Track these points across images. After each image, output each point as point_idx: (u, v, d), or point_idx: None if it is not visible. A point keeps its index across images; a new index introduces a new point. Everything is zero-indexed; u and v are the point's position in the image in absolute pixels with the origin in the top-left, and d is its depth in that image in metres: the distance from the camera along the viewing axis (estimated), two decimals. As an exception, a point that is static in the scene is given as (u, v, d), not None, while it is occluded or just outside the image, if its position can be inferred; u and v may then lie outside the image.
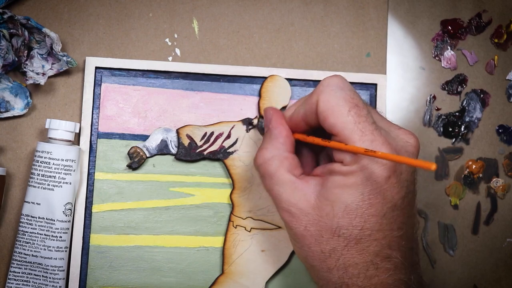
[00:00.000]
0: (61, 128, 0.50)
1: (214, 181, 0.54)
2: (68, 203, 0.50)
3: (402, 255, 0.42)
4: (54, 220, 0.49)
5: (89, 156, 0.53)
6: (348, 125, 0.41)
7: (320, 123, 0.43)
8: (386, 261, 0.42)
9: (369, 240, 0.41)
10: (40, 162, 0.50)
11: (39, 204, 0.50)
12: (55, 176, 0.49)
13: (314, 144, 0.45)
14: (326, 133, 0.43)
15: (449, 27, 0.58)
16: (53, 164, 0.49)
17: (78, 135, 0.53)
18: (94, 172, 0.53)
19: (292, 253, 0.54)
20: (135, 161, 0.53)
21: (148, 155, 0.53)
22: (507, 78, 0.58)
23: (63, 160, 0.50)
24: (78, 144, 0.53)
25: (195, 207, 0.54)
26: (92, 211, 0.53)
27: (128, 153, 0.53)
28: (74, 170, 0.50)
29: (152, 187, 0.54)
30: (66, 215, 0.50)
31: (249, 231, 0.54)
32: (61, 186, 0.50)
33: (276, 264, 0.53)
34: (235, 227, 0.54)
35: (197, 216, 0.54)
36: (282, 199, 0.44)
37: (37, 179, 0.50)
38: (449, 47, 0.58)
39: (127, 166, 0.53)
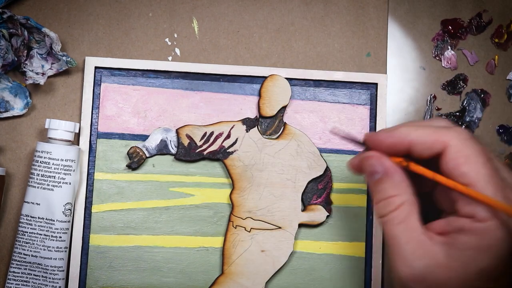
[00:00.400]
0: (60, 128, 0.50)
1: (214, 181, 0.54)
2: (68, 203, 0.50)
3: None
4: (53, 220, 0.49)
5: (89, 156, 0.53)
6: (483, 177, 0.38)
7: (444, 167, 0.39)
8: None
9: None
10: (40, 162, 0.50)
11: (39, 204, 0.49)
12: (54, 176, 0.49)
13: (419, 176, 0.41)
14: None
15: (450, 27, 0.57)
16: (53, 164, 0.49)
17: (77, 135, 0.53)
18: (93, 172, 0.53)
19: (292, 253, 0.54)
20: (135, 161, 0.53)
21: (147, 155, 0.53)
22: (507, 78, 0.58)
23: (62, 160, 0.50)
24: (78, 144, 0.53)
25: (195, 207, 0.54)
26: (92, 211, 0.53)
27: (128, 153, 0.53)
28: (74, 170, 0.50)
29: (152, 187, 0.54)
30: (65, 215, 0.50)
31: (249, 231, 0.54)
32: (61, 186, 0.50)
33: (276, 264, 0.53)
34: (235, 227, 0.54)
35: (197, 216, 0.54)
36: (406, 251, 0.39)
37: (37, 179, 0.50)
38: (449, 47, 0.58)
39: (126, 166, 0.53)
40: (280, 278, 0.54)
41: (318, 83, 0.56)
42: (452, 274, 0.38)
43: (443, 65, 0.57)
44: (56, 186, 0.49)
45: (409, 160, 0.41)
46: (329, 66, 0.56)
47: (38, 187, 0.50)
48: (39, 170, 0.50)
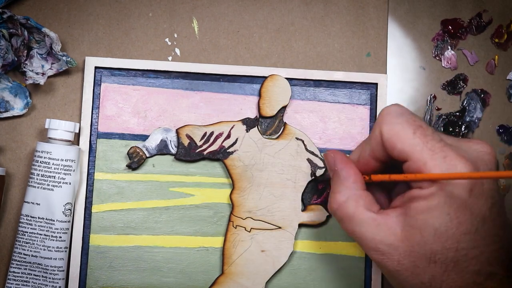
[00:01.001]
0: (60, 128, 0.50)
1: (214, 181, 0.54)
2: (68, 203, 0.50)
3: (506, 270, 0.40)
4: (53, 220, 0.49)
5: (89, 156, 0.53)
6: (416, 147, 0.40)
7: (388, 153, 0.42)
8: (489, 280, 0.40)
9: (466, 260, 0.39)
10: (40, 162, 0.50)
11: (39, 204, 0.49)
12: (54, 176, 0.49)
13: (386, 181, 0.44)
14: (397, 166, 0.43)
15: (450, 27, 0.57)
16: (53, 164, 0.49)
17: (77, 135, 0.53)
18: (93, 172, 0.53)
19: (292, 253, 0.54)
20: (135, 161, 0.53)
21: (147, 155, 0.53)
22: (507, 78, 0.58)
23: (62, 160, 0.50)
24: (78, 144, 0.53)
25: (195, 207, 0.54)
26: (92, 211, 0.53)
27: (128, 153, 0.53)
28: (74, 170, 0.50)
29: (152, 187, 0.54)
30: (65, 215, 0.50)
31: (249, 231, 0.54)
32: (61, 186, 0.50)
33: (276, 264, 0.53)
34: (235, 227, 0.54)
35: (197, 216, 0.54)
36: (367, 239, 0.42)
37: (37, 179, 0.50)
38: (449, 47, 0.58)
39: (126, 166, 0.53)
40: (280, 278, 0.54)
41: (318, 83, 0.56)
42: (412, 242, 0.40)
43: (443, 65, 0.57)
44: (56, 186, 0.49)
45: (369, 174, 0.45)
46: (329, 66, 0.56)
47: (38, 187, 0.50)
48: (39, 170, 0.50)
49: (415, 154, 0.40)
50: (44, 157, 0.49)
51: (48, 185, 0.49)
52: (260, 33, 0.56)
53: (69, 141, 0.51)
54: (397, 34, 0.57)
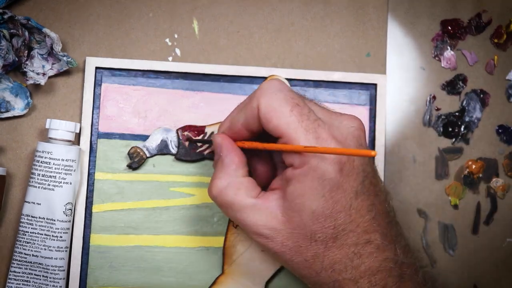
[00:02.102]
0: (61, 128, 0.51)
1: (214, 181, 0.54)
2: (69, 203, 0.50)
3: (381, 235, 0.42)
4: (54, 220, 0.49)
5: (89, 156, 0.53)
6: (291, 125, 0.41)
7: (263, 127, 0.43)
8: (366, 246, 0.42)
9: (345, 234, 0.42)
10: (41, 162, 0.50)
11: (40, 204, 0.50)
12: (55, 176, 0.50)
13: (268, 154, 0.45)
14: (270, 138, 0.43)
15: (449, 27, 0.58)
16: (54, 164, 0.50)
17: (78, 135, 0.53)
18: (94, 172, 0.53)
19: (292, 253, 0.54)
20: (135, 161, 0.53)
21: (148, 155, 0.53)
22: (507, 78, 0.58)
23: (63, 160, 0.50)
24: (78, 144, 0.53)
25: (195, 207, 0.54)
26: (92, 211, 0.53)
27: (128, 153, 0.53)
28: (75, 170, 0.50)
29: (152, 187, 0.54)
30: (66, 215, 0.50)
31: (249, 231, 0.54)
32: (62, 186, 0.50)
33: (276, 264, 0.53)
34: (235, 227, 0.54)
35: (197, 216, 0.54)
36: (249, 224, 0.43)
37: (38, 179, 0.50)
38: (449, 47, 0.58)
39: (127, 166, 0.53)
40: (280, 278, 0.54)
41: (318, 83, 0.56)
42: (293, 224, 0.42)
43: (442, 65, 0.58)
44: (57, 186, 0.50)
45: (243, 142, 0.45)
46: (329, 66, 0.57)
47: (38, 187, 0.50)
48: (39, 170, 0.50)
49: (289, 132, 0.41)
50: (45, 157, 0.50)
51: (49, 185, 0.50)
52: (260, 33, 0.56)
53: (70, 141, 0.51)
54: (397, 34, 0.57)
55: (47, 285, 0.50)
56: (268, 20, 0.57)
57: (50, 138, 0.51)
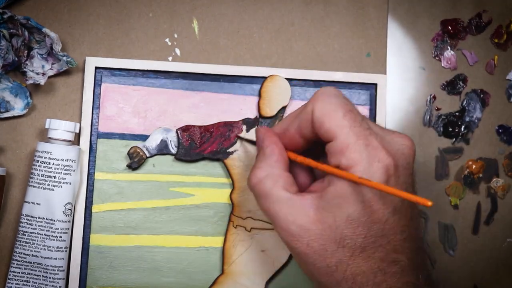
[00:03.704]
0: (61, 128, 0.50)
1: (214, 181, 0.54)
2: (68, 203, 0.50)
3: (408, 257, 0.42)
4: (54, 220, 0.49)
5: (89, 156, 0.53)
6: (343, 129, 0.41)
7: (316, 130, 0.43)
8: (392, 265, 0.41)
9: (374, 247, 0.41)
10: (40, 162, 0.50)
11: (39, 204, 0.50)
12: (55, 176, 0.49)
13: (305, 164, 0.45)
14: (322, 148, 0.43)
15: (449, 27, 0.58)
16: (53, 164, 0.49)
17: (78, 135, 0.53)
18: (94, 172, 0.53)
19: (292, 253, 0.54)
20: (135, 161, 0.53)
21: (148, 155, 0.53)
22: (507, 78, 0.58)
23: (63, 160, 0.50)
24: (78, 144, 0.53)
25: (195, 207, 0.54)
26: (92, 211, 0.53)
27: (128, 153, 0.53)
28: (74, 170, 0.50)
29: (152, 187, 0.54)
30: (66, 215, 0.50)
31: (249, 231, 0.54)
32: (61, 186, 0.50)
33: (276, 264, 0.53)
34: (235, 227, 0.54)
35: (197, 216, 0.54)
36: (280, 218, 0.42)
37: (37, 179, 0.50)
38: (449, 47, 0.58)
39: (127, 166, 0.53)
40: (280, 278, 0.54)
41: (318, 83, 0.56)
42: (324, 225, 0.41)
43: (442, 65, 0.58)
44: (57, 186, 0.50)
45: (296, 155, 0.45)
46: (329, 66, 0.56)
47: (38, 187, 0.50)
48: (39, 170, 0.50)
49: (340, 136, 0.41)
50: (45, 157, 0.49)
51: (49, 185, 0.49)
52: (260, 33, 0.56)
53: (69, 141, 0.51)
54: (397, 34, 0.57)
55: (47, 285, 0.50)
56: (268, 20, 0.57)
57: (50, 138, 0.51)
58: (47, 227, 0.49)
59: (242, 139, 0.54)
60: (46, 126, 0.51)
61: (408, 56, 0.57)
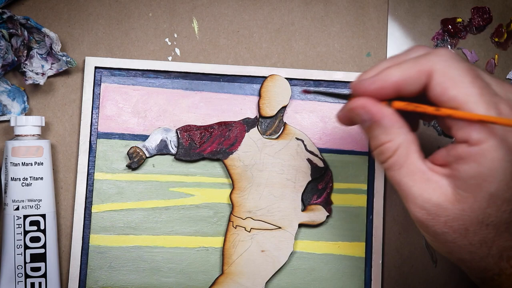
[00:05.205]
0: (28, 124, 0.50)
1: (214, 181, 0.54)
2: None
3: None
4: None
5: (89, 156, 0.53)
6: (472, 97, 0.36)
7: (433, 96, 0.38)
8: None
9: None
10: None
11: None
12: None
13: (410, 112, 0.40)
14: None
15: (449, 26, 0.57)
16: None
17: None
18: (93, 172, 0.53)
19: (292, 253, 0.54)
20: (135, 161, 0.53)
21: (147, 155, 0.53)
22: (507, 77, 0.58)
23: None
24: (78, 144, 0.53)
25: (195, 207, 0.54)
26: (92, 211, 0.53)
27: (128, 153, 0.53)
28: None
29: (152, 187, 0.54)
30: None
31: (249, 231, 0.54)
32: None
33: (276, 264, 0.53)
34: (235, 227, 0.54)
35: (197, 216, 0.54)
36: (414, 194, 0.39)
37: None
38: (449, 46, 0.58)
39: (126, 166, 0.53)
40: (280, 278, 0.54)
41: (318, 83, 0.56)
42: (464, 205, 0.37)
43: (443, 65, 0.57)
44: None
45: (391, 100, 0.40)
46: (329, 66, 0.56)
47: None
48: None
49: (468, 105, 0.36)
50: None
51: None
52: (260, 33, 0.56)
53: (37, 135, 0.51)
54: (397, 34, 0.57)
55: None
56: (268, 20, 0.57)
57: (16, 135, 0.51)
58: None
59: (315, 92, 0.45)
60: (12, 124, 0.51)
61: (408, 56, 0.57)
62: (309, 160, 0.54)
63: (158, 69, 0.54)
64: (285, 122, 0.55)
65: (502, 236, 0.38)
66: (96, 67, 0.54)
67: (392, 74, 0.39)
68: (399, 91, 0.39)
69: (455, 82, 0.37)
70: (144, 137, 0.54)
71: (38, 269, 0.50)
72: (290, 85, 0.55)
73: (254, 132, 0.54)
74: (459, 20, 0.57)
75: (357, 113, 0.41)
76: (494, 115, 0.36)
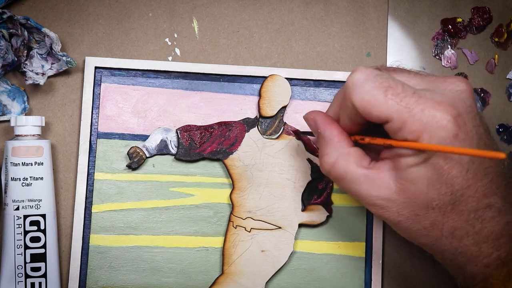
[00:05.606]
0: (28, 124, 0.50)
1: (214, 181, 0.54)
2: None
3: (501, 198, 0.41)
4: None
5: (89, 156, 0.53)
6: (392, 109, 0.40)
7: (367, 120, 0.42)
8: (487, 210, 0.41)
9: (463, 200, 0.41)
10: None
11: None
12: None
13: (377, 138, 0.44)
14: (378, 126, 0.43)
15: (449, 26, 0.57)
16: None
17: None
18: (93, 172, 0.53)
19: (292, 253, 0.54)
20: (135, 161, 0.53)
21: (147, 155, 0.53)
22: (507, 77, 0.58)
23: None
24: (78, 144, 0.53)
25: (195, 207, 0.54)
26: (92, 211, 0.53)
27: (128, 153, 0.53)
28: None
29: (152, 187, 0.54)
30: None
31: (249, 231, 0.54)
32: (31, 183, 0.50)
33: (276, 264, 0.53)
34: (235, 227, 0.54)
35: (197, 216, 0.54)
36: (363, 195, 0.43)
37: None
38: (449, 46, 0.58)
39: (126, 166, 0.53)
40: (280, 278, 0.54)
41: (318, 83, 0.56)
42: (407, 193, 0.41)
43: (443, 64, 0.57)
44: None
45: (362, 137, 0.44)
46: (329, 66, 0.56)
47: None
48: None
49: (393, 116, 0.40)
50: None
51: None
52: (260, 33, 0.56)
53: (38, 135, 0.51)
54: (397, 34, 0.57)
55: None
56: (268, 20, 0.57)
57: (16, 135, 0.51)
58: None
59: (300, 133, 0.54)
60: (12, 124, 0.51)
61: (408, 56, 0.57)
62: (309, 160, 0.54)
63: (158, 69, 0.54)
64: (285, 122, 0.55)
65: (450, 218, 0.41)
66: (96, 67, 0.54)
67: (343, 117, 0.45)
68: (360, 124, 0.44)
69: (372, 104, 0.41)
70: (144, 137, 0.54)
71: (38, 269, 0.50)
72: (290, 85, 0.55)
73: (254, 132, 0.54)
74: (459, 20, 0.58)
75: (308, 123, 0.47)
76: (419, 112, 0.39)
